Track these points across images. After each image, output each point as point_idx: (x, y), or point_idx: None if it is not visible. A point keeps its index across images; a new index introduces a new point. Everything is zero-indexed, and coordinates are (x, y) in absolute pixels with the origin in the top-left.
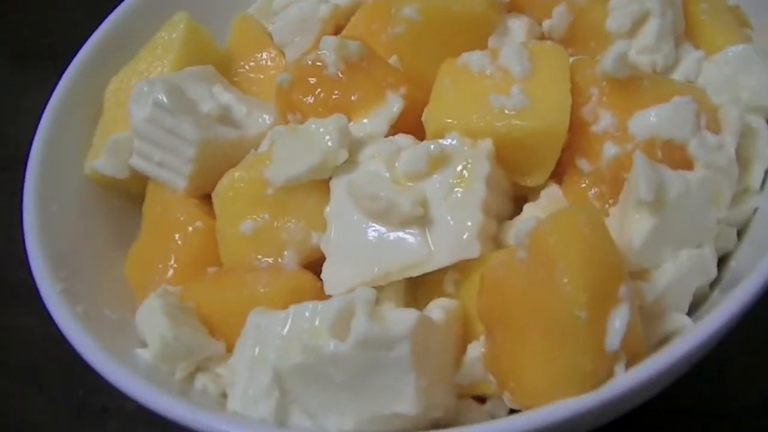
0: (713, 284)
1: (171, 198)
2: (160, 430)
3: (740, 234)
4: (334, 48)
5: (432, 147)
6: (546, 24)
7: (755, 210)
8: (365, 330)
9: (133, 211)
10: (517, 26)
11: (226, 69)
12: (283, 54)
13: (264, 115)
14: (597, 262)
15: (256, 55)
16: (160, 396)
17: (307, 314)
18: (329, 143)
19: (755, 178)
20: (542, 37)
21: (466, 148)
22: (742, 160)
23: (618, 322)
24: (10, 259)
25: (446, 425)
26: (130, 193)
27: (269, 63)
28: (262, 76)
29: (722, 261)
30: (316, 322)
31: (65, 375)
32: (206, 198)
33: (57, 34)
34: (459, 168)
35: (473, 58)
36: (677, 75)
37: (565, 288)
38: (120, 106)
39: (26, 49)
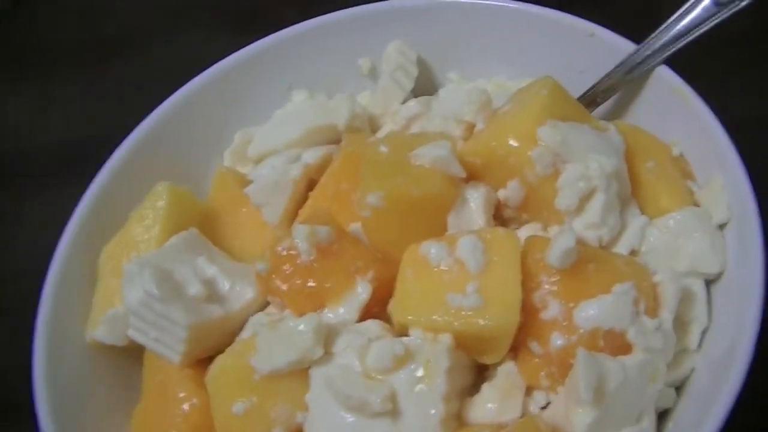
0: None
1: (168, 370)
2: None
3: (678, 390)
4: (305, 236)
5: (396, 347)
6: (501, 193)
7: (692, 369)
8: None
9: (137, 370)
10: (476, 197)
11: (210, 222)
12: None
13: (246, 289)
14: None
15: (236, 210)
16: None
17: None
18: (306, 342)
19: (693, 339)
20: (499, 204)
21: (427, 346)
22: (682, 322)
23: None
24: None
25: None
26: (132, 353)
27: (248, 221)
28: (242, 232)
29: (661, 417)
30: None
31: None
32: (202, 364)
33: None
34: (421, 367)
35: (432, 251)
36: (622, 245)
37: None
38: (114, 275)
39: None
